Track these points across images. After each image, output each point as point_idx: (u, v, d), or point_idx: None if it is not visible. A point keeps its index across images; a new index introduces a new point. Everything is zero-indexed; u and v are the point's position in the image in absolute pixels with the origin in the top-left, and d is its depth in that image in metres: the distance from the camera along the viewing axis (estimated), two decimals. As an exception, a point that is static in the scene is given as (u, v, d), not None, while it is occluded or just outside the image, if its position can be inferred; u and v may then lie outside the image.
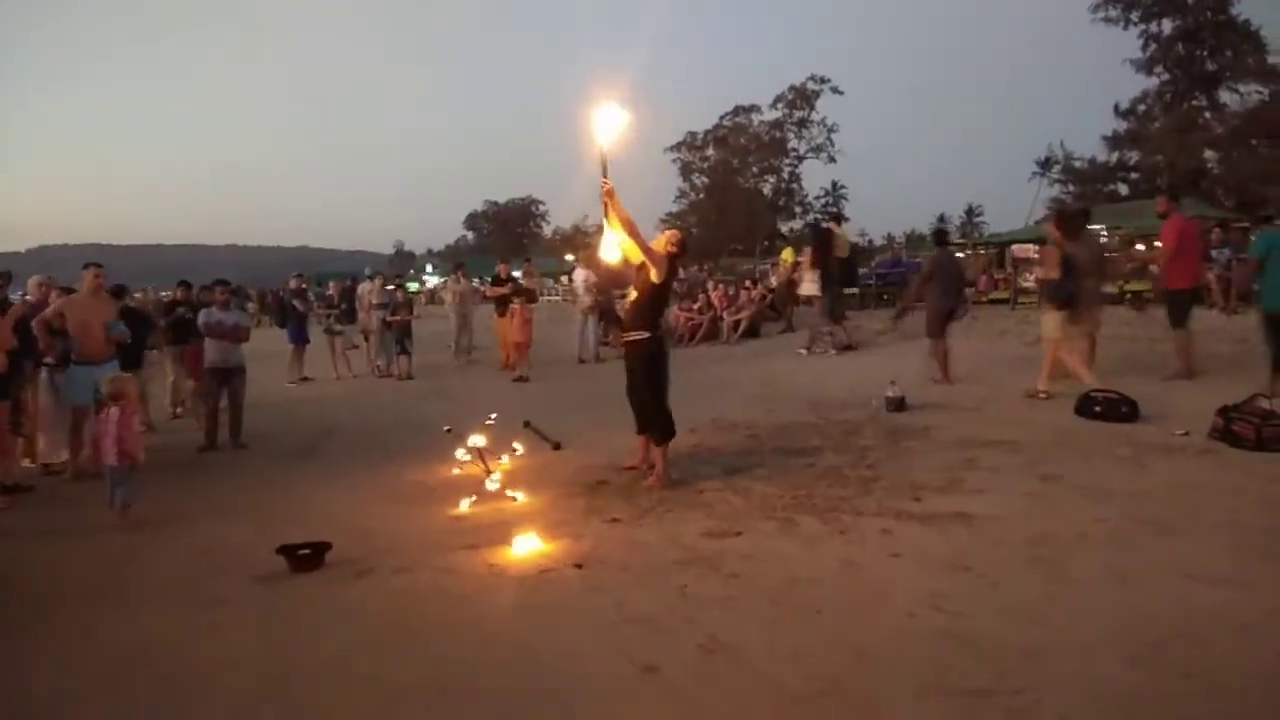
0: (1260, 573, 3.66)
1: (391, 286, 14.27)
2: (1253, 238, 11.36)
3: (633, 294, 5.86)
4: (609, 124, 5.63)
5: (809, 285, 13.29)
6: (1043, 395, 7.90)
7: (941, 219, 61.32)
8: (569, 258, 39.68)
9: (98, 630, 3.73)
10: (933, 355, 9.46)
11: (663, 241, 5.86)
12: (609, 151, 5.59)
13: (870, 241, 58.73)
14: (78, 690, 3.17)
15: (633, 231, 5.60)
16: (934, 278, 9.72)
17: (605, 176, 5.50)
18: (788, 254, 16.51)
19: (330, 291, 14.92)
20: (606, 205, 5.55)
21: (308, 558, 4.31)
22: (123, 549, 4.92)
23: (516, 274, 17.51)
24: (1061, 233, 8.28)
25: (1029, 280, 16.67)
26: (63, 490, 6.59)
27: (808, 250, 13.72)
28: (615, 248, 5.77)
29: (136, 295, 15.41)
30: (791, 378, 10.46)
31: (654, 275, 5.64)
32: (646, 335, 5.73)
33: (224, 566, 4.46)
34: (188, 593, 4.12)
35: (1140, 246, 20.86)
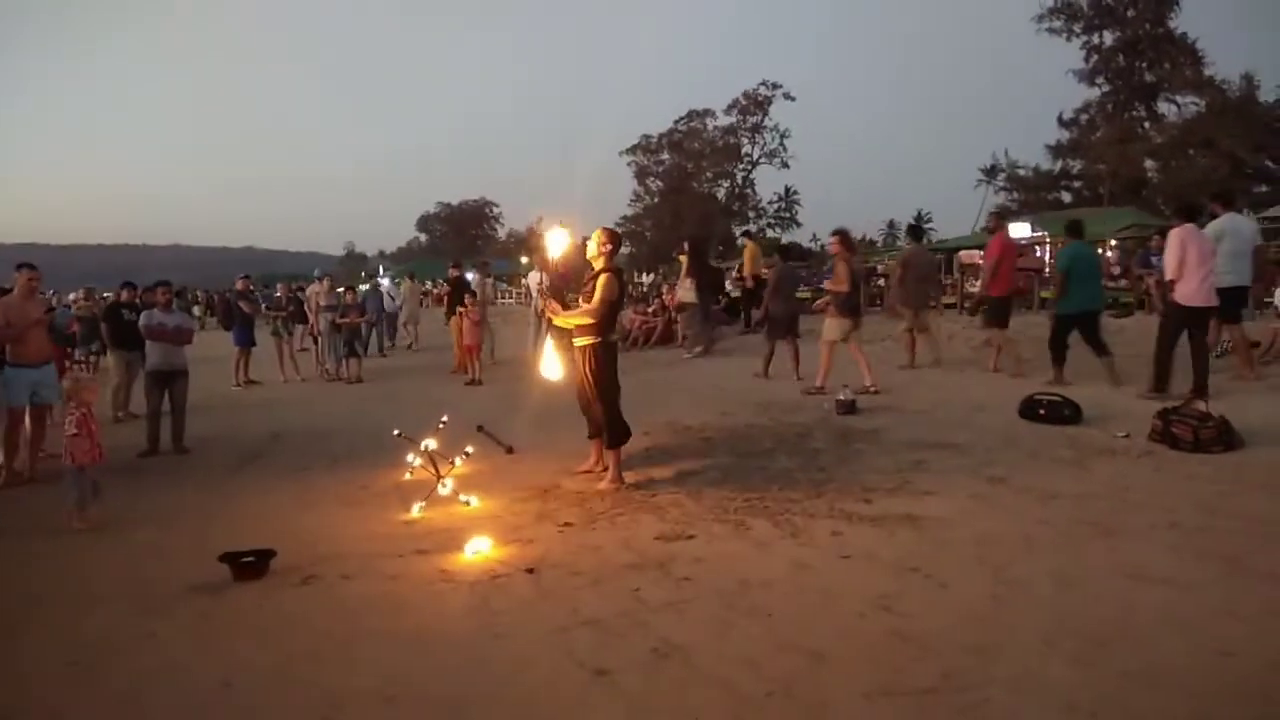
0: (1199, 572, 3.75)
1: (341, 289, 14.08)
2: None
3: (583, 304, 5.84)
4: (556, 242, 6.07)
5: (685, 292, 13.92)
6: (817, 390, 8.87)
7: (785, 244, 62.10)
8: (523, 260, 39.51)
9: (29, 639, 3.61)
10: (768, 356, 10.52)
11: (595, 245, 5.87)
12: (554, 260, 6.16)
13: (822, 246, 59.36)
14: (8, 702, 3.06)
15: (583, 313, 5.72)
16: (778, 289, 10.63)
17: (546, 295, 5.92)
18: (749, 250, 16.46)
19: (278, 293, 14.66)
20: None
21: (251, 565, 4.20)
22: (59, 555, 4.77)
23: (471, 275, 17.44)
24: (844, 249, 9.38)
25: (973, 286, 16.95)
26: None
27: (684, 260, 14.47)
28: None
29: (72, 297, 15.05)
30: (745, 381, 10.50)
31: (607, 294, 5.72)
32: (597, 340, 5.72)
33: (165, 574, 4.34)
34: (127, 600, 3.99)
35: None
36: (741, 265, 16.28)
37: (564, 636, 3.34)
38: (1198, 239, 7.71)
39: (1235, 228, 8.40)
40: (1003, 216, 11.42)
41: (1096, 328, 8.93)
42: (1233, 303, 8.28)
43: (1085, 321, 8.88)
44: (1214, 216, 8.53)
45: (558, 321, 5.83)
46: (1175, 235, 7.78)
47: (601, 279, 5.73)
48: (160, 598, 4.00)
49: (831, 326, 9.17)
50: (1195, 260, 7.52)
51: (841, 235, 9.54)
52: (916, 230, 12.88)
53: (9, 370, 6.65)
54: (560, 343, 6.12)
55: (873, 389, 8.75)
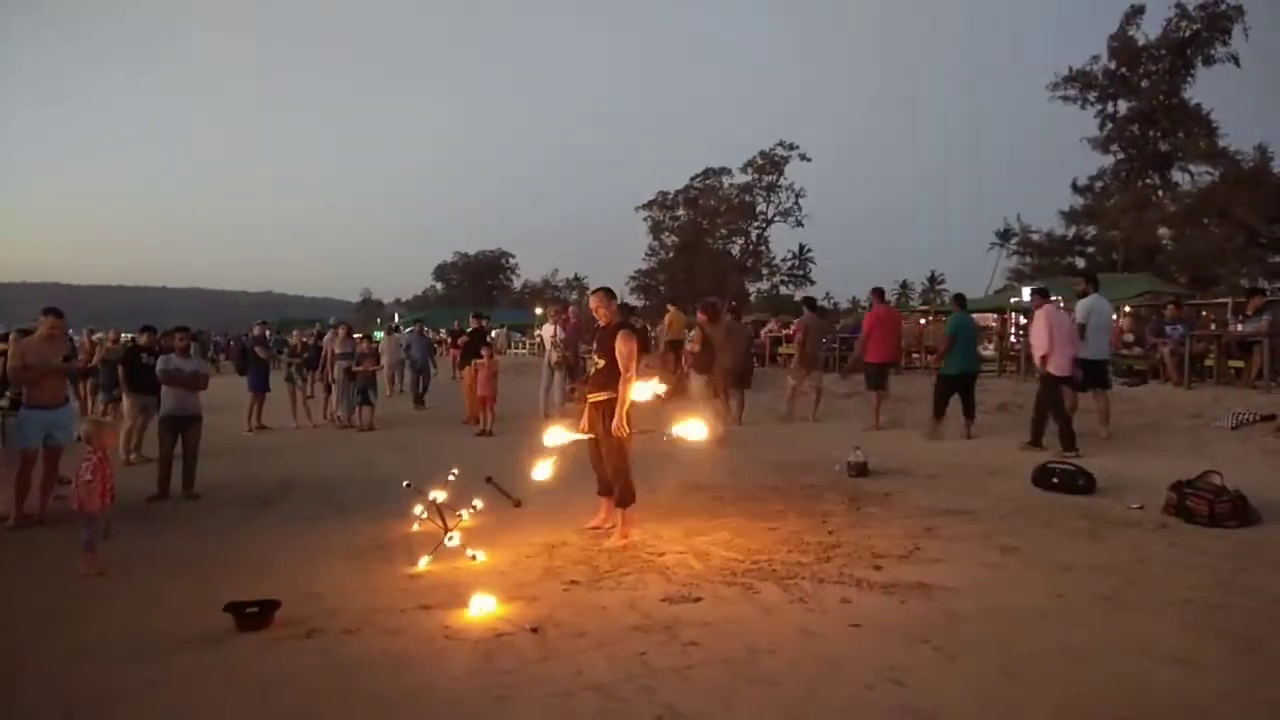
0: (1215, 652, 3.68)
1: (357, 335, 14.16)
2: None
3: (600, 361, 5.90)
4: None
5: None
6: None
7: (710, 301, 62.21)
8: (538, 311, 39.73)
9: (29, 686, 3.59)
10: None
11: (595, 309, 6.09)
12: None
13: (836, 304, 59.51)
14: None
15: (627, 383, 5.70)
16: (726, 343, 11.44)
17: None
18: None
19: (293, 340, 14.74)
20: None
21: (255, 616, 4.18)
22: (64, 599, 4.75)
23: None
24: (707, 318, 10.60)
25: (988, 349, 16.96)
26: (4, 537, 6.35)
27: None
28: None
29: (97, 336, 15.16)
30: (757, 439, 10.47)
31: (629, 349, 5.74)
32: (612, 396, 5.73)
33: (167, 621, 4.32)
34: (128, 648, 3.97)
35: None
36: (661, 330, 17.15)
37: (567, 701, 3.29)
38: (1060, 318, 9.03)
39: (1100, 306, 9.48)
40: (881, 293, 12.87)
41: (972, 389, 10.26)
42: (1101, 373, 9.43)
43: (964, 382, 10.19)
44: (1082, 295, 9.56)
45: (630, 394, 5.71)
46: (1042, 315, 9.06)
47: (620, 335, 5.76)
48: (161, 646, 3.97)
49: (695, 385, 10.28)
50: (1063, 337, 8.77)
51: (706, 307, 11.01)
52: (811, 301, 14.99)
53: (24, 411, 6.69)
54: (579, 394, 6.15)
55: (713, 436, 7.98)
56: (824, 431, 11.09)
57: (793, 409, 12.59)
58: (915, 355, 17.49)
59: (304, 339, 14.63)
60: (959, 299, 11.71)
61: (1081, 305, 9.49)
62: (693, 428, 6.03)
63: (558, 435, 5.98)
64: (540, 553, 5.47)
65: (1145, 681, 3.40)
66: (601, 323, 6.03)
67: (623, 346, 5.71)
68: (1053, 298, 11.12)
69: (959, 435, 10.00)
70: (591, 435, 5.97)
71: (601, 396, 5.81)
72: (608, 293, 6.15)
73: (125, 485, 7.16)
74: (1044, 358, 8.78)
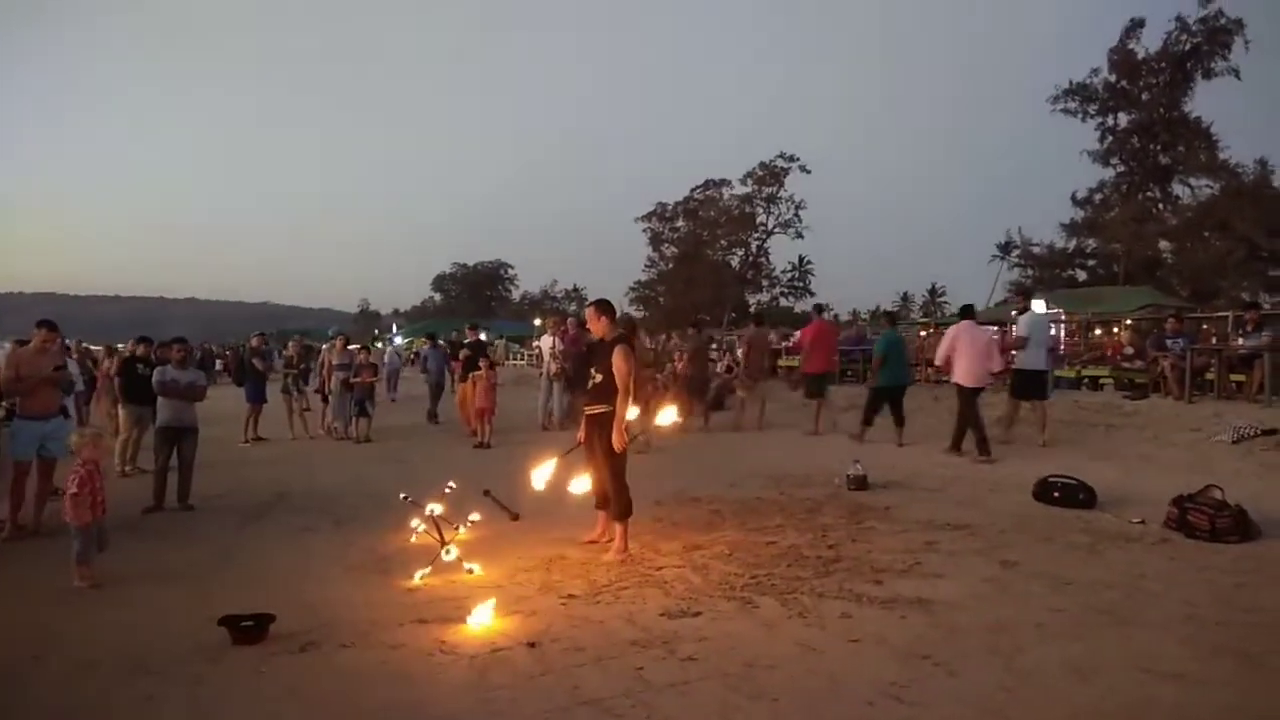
0: (1216, 668, 3.65)
1: (355, 347, 14.12)
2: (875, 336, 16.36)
3: (597, 376, 5.85)
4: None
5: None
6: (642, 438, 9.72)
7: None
8: (536, 323, 39.72)
9: (26, 701, 3.55)
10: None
11: (590, 321, 6.03)
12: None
13: (836, 317, 59.51)
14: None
15: (625, 400, 5.65)
16: (693, 359, 13.84)
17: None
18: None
19: (289, 351, 14.67)
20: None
21: (250, 629, 4.15)
22: (59, 612, 4.71)
23: (482, 337, 17.39)
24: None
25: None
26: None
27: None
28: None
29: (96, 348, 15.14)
30: (755, 452, 10.45)
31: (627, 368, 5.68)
32: (610, 409, 5.70)
33: (163, 635, 4.28)
34: (124, 661, 3.92)
35: (1097, 331, 21.33)
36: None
37: (563, 716, 3.26)
38: (972, 334, 9.79)
39: (1039, 321, 10.47)
40: (820, 309, 14.90)
41: (901, 400, 10.99)
42: (1038, 383, 10.29)
43: (894, 394, 10.96)
44: (1022, 311, 10.56)
45: (627, 411, 5.67)
46: (952, 330, 9.98)
47: (617, 352, 5.71)
48: (157, 660, 3.93)
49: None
50: (965, 350, 9.62)
51: (628, 323, 11.62)
52: (759, 316, 16.38)
53: (17, 422, 6.67)
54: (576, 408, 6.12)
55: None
56: (806, 443, 11.10)
57: (740, 420, 13.18)
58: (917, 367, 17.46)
59: (298, 349, 14.57)
60: (891, 316, 13.39)
61: (1022, 320, 10.36)
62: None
63: (546, 470, 5.98)
64: (538, 566, 5.44)
65: (1145, 697, 3.37)
66: (595, 336, 6.01)
67: (621, 364, 5.67)
68: (1010, 315, 12.31)
69: (943, 447, 9.95)
70: (584, 447, 5.97)
71: (599, 409, 5.79)
72: (603, 305, 6.08)
73: (121, 497, 7.16)
74: (939, 369, 10.02)
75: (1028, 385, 10.24)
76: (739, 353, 15.80)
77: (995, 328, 14.18)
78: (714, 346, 19.81)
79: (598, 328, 5.97)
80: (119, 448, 9.59)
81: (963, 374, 9.61)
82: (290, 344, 15.33)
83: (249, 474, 9.72)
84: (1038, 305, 10.97)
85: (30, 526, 6.58)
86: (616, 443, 5.64)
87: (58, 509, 5.94)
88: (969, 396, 9.59)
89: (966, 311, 10.42)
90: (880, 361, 11.12)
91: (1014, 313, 10.93)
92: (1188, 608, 4.44)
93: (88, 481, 5.25)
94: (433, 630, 4.25)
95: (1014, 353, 10.30)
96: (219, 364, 30.60)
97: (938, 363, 9.95)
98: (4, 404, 6.69)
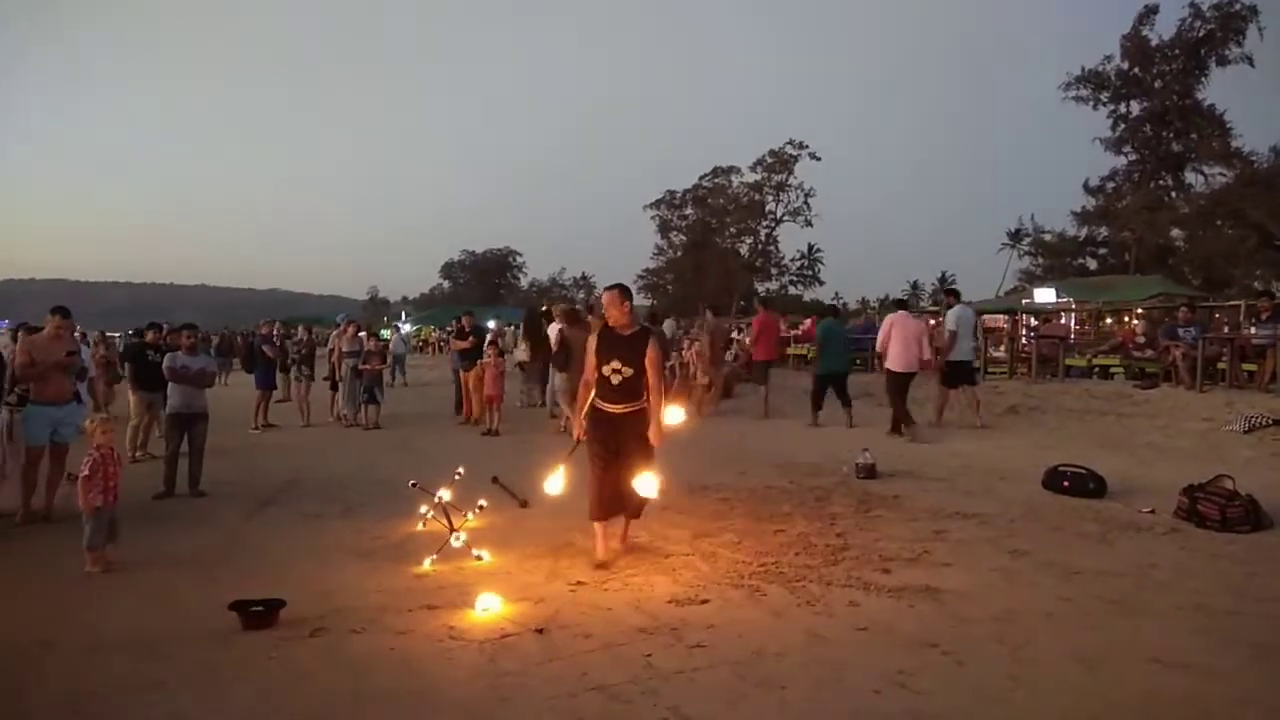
0: (1225, 658, 3.64)
1: (364, 333, 14.12)
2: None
3: (627, 370, 5.20)
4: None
5: (521, 353, 15.28)
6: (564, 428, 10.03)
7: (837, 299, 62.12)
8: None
9: (38, 686, 3.58)
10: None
11: (611, 309, 5.37)
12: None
13: (845, 305, 59.38)
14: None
15: (660, 401, 5.29)
16: (713, 342, 14.09)
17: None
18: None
19: (299, 336, 14.67)
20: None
21: (260, 615, 4.17)
22: (71, 597, 4.74)
23: (492, 324, 17.34)
24: (566, 323, 11.28)
25: (1000, 350, 16.91)
26: (11, 534, 6.36)
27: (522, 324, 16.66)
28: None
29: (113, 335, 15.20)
30: (764, 440, 10.44)
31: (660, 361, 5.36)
32: (642, 406, 5.25)
33: (174, 620, 4.31)
34: (135, 646, 3.95)
35: (1108, 320, 21.22)
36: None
37: (571, 702, 3.27)
38: (904, 324, 10.64)
39: (965, 315, 11.28)
40: (767, 302, 16.58)
41: (844, 385, 11.81)
42: (966, 372, 11.31)
43: (835, 380, 11.76)
44: (949, 306, 11.39)
45: (663, 406, 5.34)
46: (889, 319, 10.91)
47: (652, 344, 5.26)
48: (168, 645, 3.96)
49: (559, 381, 11.29)
50: (897, 338, 10.47)
51: (566, 314, 11.80)
52: (716, 308, 17.60)
53: (30, 408, 6.70)
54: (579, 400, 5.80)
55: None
56: (814, 432, 11.03)
57: (700, 407, 13.34)
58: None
59: (309, 336, 14.59)
60: (831, 309, 14.10)
61: (950, 315, 11.16)
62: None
63: (557, 480, 5.54)
64: (547, 553, 5.46)
65: (1155, 687, 3.36)
66: (612, 324, 5.32)
67: (657, 357, 5.26)
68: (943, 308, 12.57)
69: (932, 434, 10.33)
70: (593, 446, 5.40)
71: (629, 408, 5.24)
72: (624, 291, 5.41)
73: (131, 483, 7.18)
74: (880, 355, 10.97)
75: (957, 374, 11.16)
76: (742, 339, 16.87)
77: (930, 320, 15.56)
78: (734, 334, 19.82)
79: (617, 316, 5.31)
80: (130, 433, 9.64)
81: (894, 360, 10.51)
82: (300, 329, 15.38)
83: (259, 461, 9.76)
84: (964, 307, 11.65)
85: (42, 512, 6.62)
86: (656, 438, 5.24)
87: (70, 494, 5.98)
88: (899, 381, 10.53)
89: (900, 304, 11.97)
90: (820, 349, 12.15)
91: (943, 310, 12.06)
92: (1198, 597, 4.42)
93: (100, 466, 5.28)
94: (442, 616, 4.27)
95: (942, 346, 11.22)
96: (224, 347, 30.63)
97: (878, 349, 11.02)
98: (18, 389, 6.71)
